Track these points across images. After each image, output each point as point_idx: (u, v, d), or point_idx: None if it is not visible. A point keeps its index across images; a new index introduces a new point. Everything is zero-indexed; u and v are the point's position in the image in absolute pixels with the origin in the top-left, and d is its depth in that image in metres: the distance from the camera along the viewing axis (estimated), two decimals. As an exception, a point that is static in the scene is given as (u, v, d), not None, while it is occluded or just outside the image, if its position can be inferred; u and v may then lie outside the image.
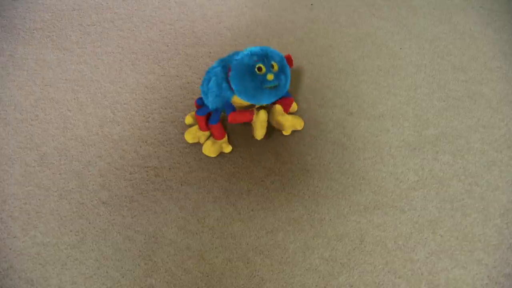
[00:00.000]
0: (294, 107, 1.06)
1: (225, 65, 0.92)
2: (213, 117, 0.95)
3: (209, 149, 0.99)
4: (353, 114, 1.09)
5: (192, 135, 1.01)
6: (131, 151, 1.02)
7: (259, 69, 0.86)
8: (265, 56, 0.87)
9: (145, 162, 1.00)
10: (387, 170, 0.99)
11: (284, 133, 1.01)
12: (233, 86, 0.88)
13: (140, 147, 1.02)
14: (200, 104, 0.99)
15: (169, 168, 0.99)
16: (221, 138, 0.99)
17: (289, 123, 1.00)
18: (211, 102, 0.93)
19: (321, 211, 0.94)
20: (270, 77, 0.86)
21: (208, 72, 0.94)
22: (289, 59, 0.94)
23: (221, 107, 0.94)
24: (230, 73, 0.88)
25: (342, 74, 1.16)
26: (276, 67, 0.88)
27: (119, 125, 1.06)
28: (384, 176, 0.98)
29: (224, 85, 0.90)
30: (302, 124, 1.03)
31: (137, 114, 1.08)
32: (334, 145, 1.03)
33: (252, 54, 0.87)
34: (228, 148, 1.00)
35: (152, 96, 1.11)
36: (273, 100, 0.90)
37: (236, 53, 0.93)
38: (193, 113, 1.03)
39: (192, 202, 0.95)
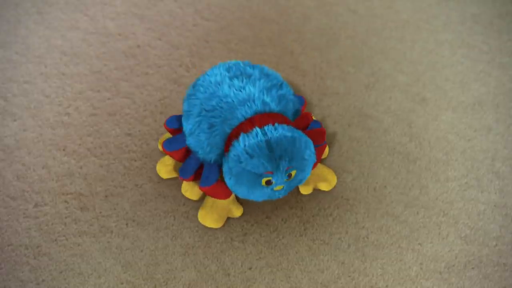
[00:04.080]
0: (325, 150, 0.67)
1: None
2: (206, 173, 0.57)
3: (210, 217, 0.59)
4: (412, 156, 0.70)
5: (168, 167, 0.62)
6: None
7: (268, 182, 0.54)
8: (280, 158, 0.53)
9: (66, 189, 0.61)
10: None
11: (303, 191, 0.62)
12: (228, 183, 0.55)
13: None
14: (173, 127, 0.61)
15: (106, 196, 0.59)
16: (227, 196, 0.59)
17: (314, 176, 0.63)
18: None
19: (368, 270, 0.55)
20: (278, 188, 0.56)
21: (197, 89, 0.59)
22: (320, 134, 0.59)
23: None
24: (223, 169, 0.55)
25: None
26: (293, 175, 0.55)
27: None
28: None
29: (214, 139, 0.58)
30: (335, 179, 0.63)
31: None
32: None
33: (258, 157, 0.53)
34: (238, 211, 0.60)
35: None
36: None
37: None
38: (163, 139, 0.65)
39: (145, 255, 0.57)
